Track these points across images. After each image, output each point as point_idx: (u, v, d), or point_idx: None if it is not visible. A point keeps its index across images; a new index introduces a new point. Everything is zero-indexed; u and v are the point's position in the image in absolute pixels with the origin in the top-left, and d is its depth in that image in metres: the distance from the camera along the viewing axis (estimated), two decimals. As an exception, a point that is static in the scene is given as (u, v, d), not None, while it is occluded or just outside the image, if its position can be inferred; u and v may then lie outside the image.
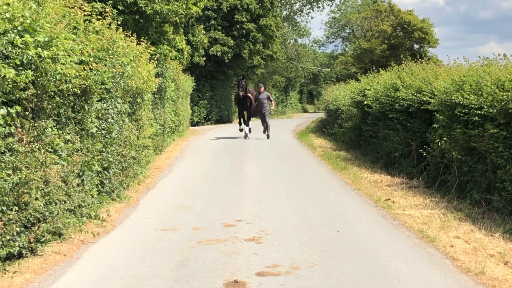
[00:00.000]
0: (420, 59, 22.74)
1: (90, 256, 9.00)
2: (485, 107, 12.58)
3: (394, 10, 59.14)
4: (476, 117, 12.88)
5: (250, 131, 30.38)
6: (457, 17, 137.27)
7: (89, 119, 11.15)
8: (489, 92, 12.56)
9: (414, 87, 17.39)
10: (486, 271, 8.35)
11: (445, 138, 14.48)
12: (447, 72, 16.96)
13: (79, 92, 10.31)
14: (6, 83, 7.79)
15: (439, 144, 14.66)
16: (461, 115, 13.63)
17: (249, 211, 12.32)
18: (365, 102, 21.50)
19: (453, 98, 14.10)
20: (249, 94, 29.90)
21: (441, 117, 15.05)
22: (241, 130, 30.03)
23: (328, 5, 64.53)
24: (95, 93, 11.24)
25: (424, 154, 16.16)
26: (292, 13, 62.44)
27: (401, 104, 17.79)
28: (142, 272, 8.33)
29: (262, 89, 30.03)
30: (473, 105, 13.07)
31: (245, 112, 30.69)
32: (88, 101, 11.00)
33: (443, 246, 9.76)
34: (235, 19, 43.20)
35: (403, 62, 21.36)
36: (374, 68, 28.98)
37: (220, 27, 42.65)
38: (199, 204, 13.13)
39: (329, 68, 78.75)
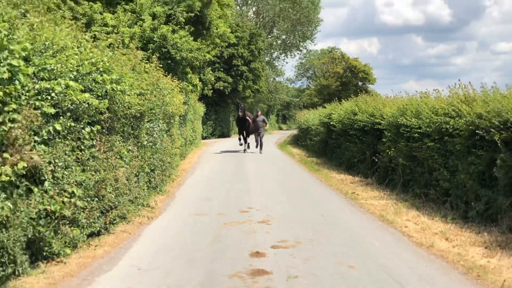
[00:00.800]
0: (363, 93, 23.15)
1: (148, 234, 8.89)
2: (423, 127, 12.52)
3: (345, 57, 59.32)
4: (416, 134, 12.80)
5: (249, 146, 27.02)
6: (387, 63, 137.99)
7: (142, 135, 11.06)
8: (426, 116, 12.49)
9: (368, 112, 17.24)
10: (434, 244, 8.22)
11: (392, 149, 14.42)
12: (392, 101, 16.91)
13: (138, 115, 10.25)
14: (91, 109, 7.70)
15: (388, 153, 14.59)
16: (404, 132, 13.56)
17: (256, 201, 12.06)
18: (331, 123, 21.38)
19: (398, 120, 14.04)
20: (247, 116, 26.44)
21: (388, 134, 14.95)
22: (240, 144, 26.91)
23: (298, 53, 64.14)
24: (147, 116, 11.17)
25: (376, 160, 16.08)
26: (272, 59, 62.19)
27: (358, 124, 17.69)
28: (187, 246, 8.20)
29: (259, 113, 27.66)
30: (413, 126, 13.00)
31: (244, 132, 27.22)
32: (142, 122, 10.91)
33: (399, 227, 9.61)
34: (233, 63, 43.11)
35: (351, 95, 21.70)
36: (331, 99, 29.05)
37: (222, 69, 42.53)
38: (218, 196, 12.97)
39: (298, 99, 78.71)
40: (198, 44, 21.32)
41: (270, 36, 57.44)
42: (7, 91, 5.98)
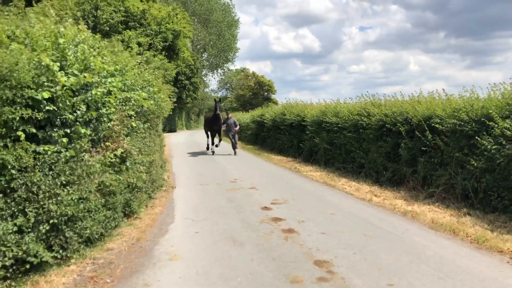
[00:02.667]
0: (269, 101, 23.98)
1: (177, 198, 8.92)
2: (341, 123, 13.46)
3: (255, 75, 59.86)
4: (336, 128, 13.73)
5: (216, 145, 19.28)
6: (277, 79, 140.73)
7: (159, 130, 11.10)
8: (344, 115, 13.43)
9: (294, 113, 18.06)
10: (372, 199, 9.01)
11: (317, 138, 15.27)
12: (311, 106, 17.83)
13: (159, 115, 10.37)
14: (147, 112, 7.89)
15: (315, 141, 15.38)
16: (326, 126, 14.47)
17: (236, 175, 12.16)
18: (265, 120, 21.91)
19: (321, 118, 14.94)
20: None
21: (312, 128, 15.78)
22: (207, 149, 19.94)
23: (222, 71, 64.20)
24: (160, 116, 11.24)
25: (302, 146, 16.93)
26: (202, 75, 61.92)
27: (287, 122, 18.46)
28: (213, 204, 8.35)
29: (230, 115, 20.04)
30: (333, 122, 13.91)
31: (215, 132, 20.05)
32: (158, 121, 10.96)
33: (341, 189, 10.20)
34: (179, 79, 42.63)
35: (263, 104, 22.26)
36: (246, 105, 29.49)
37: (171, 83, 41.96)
38: (206, 172, 12.73)
39: (222, 103, 78.81)
40: (171, 65, 21.15)
41: (202, 59, 57.15)
42: (107, 99, 6.16)
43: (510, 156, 7.18)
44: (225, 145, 22.22)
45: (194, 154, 18.66)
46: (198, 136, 31.51)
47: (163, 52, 20.41)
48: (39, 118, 4.81)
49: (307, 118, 16.32)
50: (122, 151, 6.40)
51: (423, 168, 9.56)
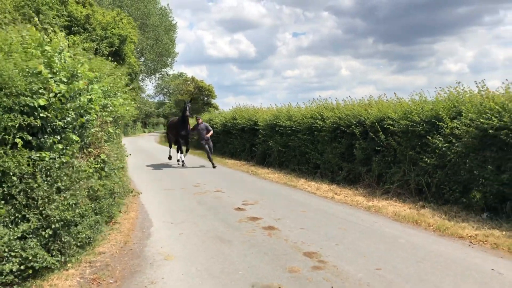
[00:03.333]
0: (209, 106, 24.11)
1: (146, 202, 8.92)
2: (295, 126, 14.09)
3: (194, 80, 59.69)
4: (290, 131, 14.36)
5: (182, 155, 16.18)
6: (214, 84, 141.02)
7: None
8: (298, 119, 14.08)
9: (245, 118, 18.52)
10: (334, 197, 9.63)
11: (271, 141, 15.79)
12: (262, 110, 18.39)
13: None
14: (119, 118, 7.96)
15: (269, 144, 15.90)
16: (280, 130, 15.05)
17: (197, 179, 12.24)
18: (215, 125, 22.10)
19: (274, 122, 15.51)
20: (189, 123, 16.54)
21: (264, 132, 16.32)
22: (170, 158, 17.31)
23: (159, 76, 63.39)
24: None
25: (254, 149, 17.41)
26: (139, 80, 60.75)
27: (239, 126, 18.88)
28: (187, 207, 8.51)
29: (201, 120, 16.76)
30: (287, 125, 14.52)
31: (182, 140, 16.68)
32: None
33: (303, 189, 10.73)
34: (117, 84, 41.75)
35: (204, 109, 22.42)
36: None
37: (109, 88, 40.98)
38: (164, 178, 12.70)
39: (160, 109, 77.79)
40: (121, 71, 20.84)
41: (139, 63, 56.13)
42: (92, 106, 6.25)
43: (459, 153, 8.05)
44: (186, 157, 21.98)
45: (144, 160, 18.44)
46: (141, 143, 31.15)
47: (109, 58, 20.05)
48: (37, 125, 4.88)
49: (260, 122, 16.82)
50: (105, 156, 6.50)
51: (377, 166, 10.33)
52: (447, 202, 8.29)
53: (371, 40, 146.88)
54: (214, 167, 15.51)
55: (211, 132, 16.43)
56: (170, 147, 18.27)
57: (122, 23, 21.85)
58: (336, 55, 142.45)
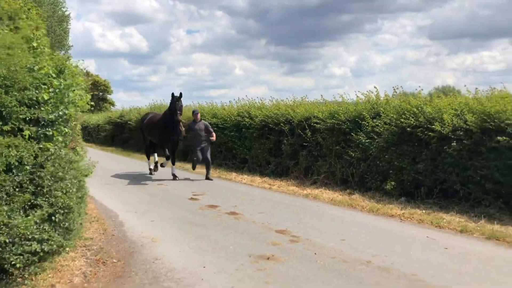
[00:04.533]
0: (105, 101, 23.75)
1: (106, 197, 9.00)
2: (220, 123, 14.97)
3: (89, 74, 57.30)
4: (215, 128, 15.14)
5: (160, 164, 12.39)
6: (113, 80, 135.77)
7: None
8: (223, 117, 14.98)
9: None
10: (271, 187, 10.69)
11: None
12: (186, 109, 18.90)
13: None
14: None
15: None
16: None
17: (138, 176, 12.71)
18: (129, 122, 22.01)
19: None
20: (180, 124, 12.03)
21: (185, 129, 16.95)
22: (151, 169, 13.04)
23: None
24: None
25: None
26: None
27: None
28: (138, 199, 8.98)
29: (199, 116, 12.48)
30: (212, 123, 15.30)
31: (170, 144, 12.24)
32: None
33: (239, 181, 11.60)
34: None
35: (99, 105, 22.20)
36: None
37: None
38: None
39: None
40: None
41: (28, 54, 52.25)
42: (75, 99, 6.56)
43: (380, 147, 9.63)
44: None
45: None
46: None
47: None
48: (46, 118, 5.23)
49: (184, 120, 17.34)
50: (80, 149, 6.84)
51: (304, 160, 11.65)
52: (369, 189, 9.81)
53: (263, 41, 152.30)
54: (209, 179, 11.93)
55: (214, 135, 12.18)
56: (149, 156, 13.55)
57: (30, 13, 20.51)
58: (230, 54, 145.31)
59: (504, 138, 7.40)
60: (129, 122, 21.69)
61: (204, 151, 11.98)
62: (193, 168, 12.72)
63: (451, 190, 8.36)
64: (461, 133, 8.11)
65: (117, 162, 16.00)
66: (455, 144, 8.12)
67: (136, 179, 11.80)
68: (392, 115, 9.50)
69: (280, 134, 12.57)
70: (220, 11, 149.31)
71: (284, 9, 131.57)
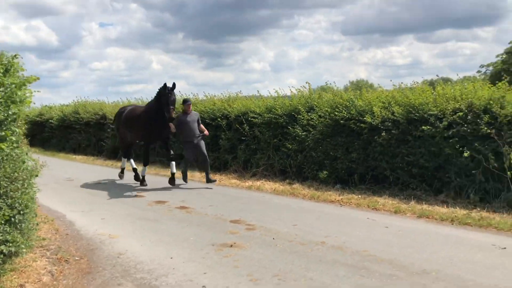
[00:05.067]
0: None
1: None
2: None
3: (-5, 69, 53.24)
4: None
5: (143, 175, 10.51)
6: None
7: None
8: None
9: (92, 112, 18.38)
10: (226, 183, 10.97)
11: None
12: (112, 105, 18.52)
13: None
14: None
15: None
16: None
17: (64, 174, 12.16)
18: (50, 120, 21.01)
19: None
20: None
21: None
22: (140, 181, 10.52)
23: None
24: None
25: (103, 144, 17.52)
26: None
27: (83, 121, 18.59)
28: (78, 199, 8.88)
29: (191, 108, 10.49)
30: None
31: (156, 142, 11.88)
32: None
33: (177, 177, 11.84)
34: None
35: None
36: None
37: None
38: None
39: None
40: None
41: None
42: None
43: (316, 139, 10.27)
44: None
45: None
46: None
47: None
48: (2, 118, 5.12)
49: (111, 116, 17.02)
50: (26, 149, 6.66)
51: (243, 154, 12.04)
52: (306, 179, 10.43)
53: (181, 35, 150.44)
54: (211, 181, 10.31)
55: (206, 130, 10.70)
56: (127, 156, 11.55)
57: None
58: (146, 48, 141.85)
59: (428, 127, 8.30)
60: (50, 120, 20.73)
61: (198, 147, 10.17)
62: (184, 178, 10.47)
63: (382, 176, 9.19)
64: (389, 124, 8.93)
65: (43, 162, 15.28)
66: (384, 134, 8.91)
67: (70, 178, 11.50)
68: (326, 108, 10.16)
69: (217, 129, 12.83)
70: (134, 4, 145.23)
71: (200, 3, 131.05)
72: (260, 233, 6.18)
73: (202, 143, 10.30)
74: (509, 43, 39.90)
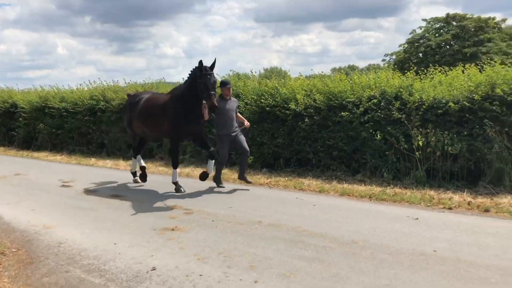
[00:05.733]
0: None
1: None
2: (71, 108, 14.43)
3: None
4: (65, 112, 14.59)
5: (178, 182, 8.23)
6: None
7: None
8: (75, 100, 14.44)
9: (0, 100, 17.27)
10: (189, 174, 10.92)
11: (41, 125, 15.44)
12: (24, 93, 17.46)
13: None
14: None
15: (39, 127, 15.49)
16: (51, 112, 15.01)
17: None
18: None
19: (42, 104, 15.27)
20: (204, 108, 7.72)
21: (29, 115, 15.87)
22: (135, 175, 9.27)
23: None
24: None
25: (14, 133, 16.57)
26: None
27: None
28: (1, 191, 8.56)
29: (230, 92, 8.25)
30: (61, 107, 14.67)
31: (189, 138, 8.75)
32: None
33: (102, 166, 11.60)
34: None
35: None
36: None
37: None
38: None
39: None
40: None
41: None
42: None
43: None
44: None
45: None
46: None
47: None
48: None
49: (23, 105, 16.11)
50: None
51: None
52: (234, 164, 10.79)
53: (88, 18, 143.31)
54: (246, 180, 8.56)
55: (246, 122, 8.63)
56: (138, 152, 9.38)
57: None
58: (50, 31, 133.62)
59: (346, 113, 9.03)
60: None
61: (237, 142, 8.26)
62: (217, 181, 8.58)
63: (305, 159, 9.83)
64: (311, 110, 9.56)
65: None
66: (307, 120, 9.52)
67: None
68: (252, 96, 10.56)
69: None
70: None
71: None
72: (199, 216, 6.45)
73: (242, 138, 8.29)
74: (409, 33, 43.07)
